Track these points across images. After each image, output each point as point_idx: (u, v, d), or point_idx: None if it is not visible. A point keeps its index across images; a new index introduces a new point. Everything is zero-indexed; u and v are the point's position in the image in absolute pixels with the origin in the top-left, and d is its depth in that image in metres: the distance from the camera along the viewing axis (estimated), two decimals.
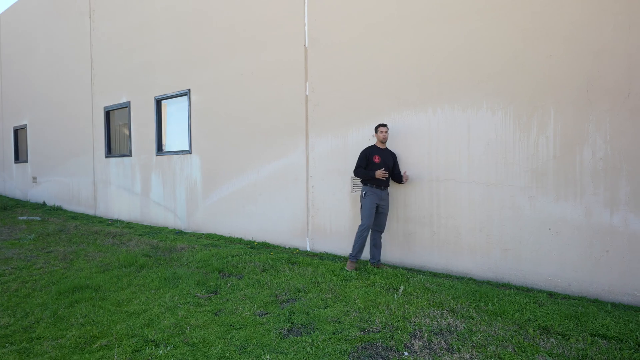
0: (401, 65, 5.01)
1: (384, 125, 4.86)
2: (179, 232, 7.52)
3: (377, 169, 4.72)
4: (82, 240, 6.60)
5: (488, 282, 4.35)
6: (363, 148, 5.17)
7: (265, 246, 6.25)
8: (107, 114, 9.64)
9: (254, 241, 6.53)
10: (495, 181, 4.39)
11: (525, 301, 3.53)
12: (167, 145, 8.29)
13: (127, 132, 9.15)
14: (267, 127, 6.39)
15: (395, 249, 5.12)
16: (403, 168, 5.01)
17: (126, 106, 9.01)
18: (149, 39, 8.40)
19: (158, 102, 8.28)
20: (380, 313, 3.32)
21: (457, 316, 3.23)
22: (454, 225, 4.68)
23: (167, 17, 7.99)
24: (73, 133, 10.77)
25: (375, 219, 4.79)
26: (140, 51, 8.61)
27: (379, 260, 4.92)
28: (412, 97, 4.93)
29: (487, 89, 4.42)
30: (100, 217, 9.64)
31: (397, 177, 4.91)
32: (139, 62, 8.63)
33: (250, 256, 5.32)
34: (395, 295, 3.70)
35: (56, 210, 10.79)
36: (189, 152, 7.64)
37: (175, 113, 8.08)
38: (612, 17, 3.77)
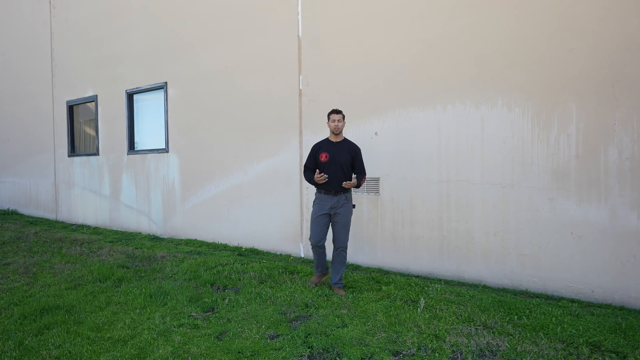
0: (406, 58, 4.67)
1: (337, 112, 3.94)
2: (154, 238, 6.88)
3: (327, 169, 3.87)
4: (44, 250, 5.86)
5: (504, 290, 4.08)
6: (369, 146, 4.81)
7: (254, 253, 5.75)
8: (71, 108, 8.79)
9: (241, 247, 6.01)
10: (511, 182, 4.13)
11: (558, 312, 3.27)
12: (141, 143, 7.60)
13: (93, 128, 8.36)
14: (255, 123, 5.89)
15: (400, 254, 4.78)
16: (409, 169, 4.67)
17: (93, 100, 8.22)
18: (119, 26, 7.67)
19: (130, 96, 7.57)
20: (408, 332, 2.94)
21: (494, 333, 2.90)
22: (465, 229, 4.38)
23: (141, 1, 7.31)
24: (30, 129, 9.80)
25: (333, 231, 3.96)
26: (109, 40, 7.86)
27: (337, 282, 3.93)
28: (419, 93, 4.60)
29: (502, 85, 4.15)
30: (62, 222, 8.77)
31: (357, 177, 3.98)
32: (108, 52, 7.88)
33: (242, 265, 4.82)
34: (418, 309, 3.34)
35: (11, 215, 9.78)
36: (165, 150, 7.01)
37: (149, 108, 7.41)
38: (639, 6, 3.57)
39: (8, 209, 10.26)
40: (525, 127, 4.05)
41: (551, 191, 3.94)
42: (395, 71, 4.74)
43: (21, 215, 9.83)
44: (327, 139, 4.07)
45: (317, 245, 3.93)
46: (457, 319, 3.17)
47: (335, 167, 3.88)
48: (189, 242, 6.50)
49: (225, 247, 6.15)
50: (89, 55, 8.24)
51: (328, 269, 4.18)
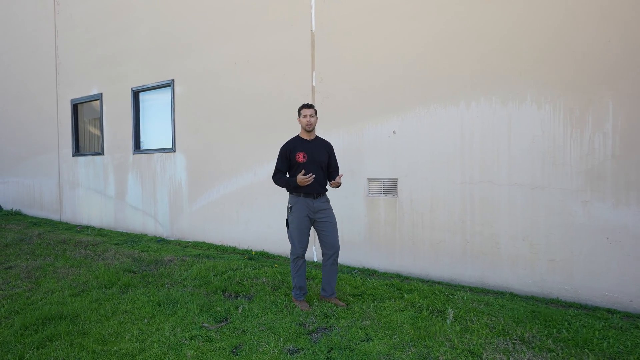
0: (427, 52, 4.43)
1: (309, 107, 3.58)
2: (161, 240, 6.68)
3: (306, 170, 3.46)
4: (48, 252, 5.66)
5: (533, 298, 3.83)
6: (387, 145, 4.58)
7: (265, 256, 5.53)
8: (75, 107, 8.60)
9: (251, 250, 5.79)
10: (541, 184, 3.88)
11: (600, 325, 3.02)
12: (147, 143, 7.40)
13: (98, 127, 8.17)
14: (266, 121, 5.67)
15: (420, 259, 4.54)
16: (430, 169, 4.44)
17: (97, 99, 8.02)
18: (124, 23, 7.47)
19: (135, 94, 7.37)
20: (440, 347, 2.71)
21: (534, 349, 2.66)
22: (491, 233, 4.14)
23: None
24: (34, 129, 9.62)
25: (321, 239, 3.56)
26: (114, 36, 7.66)
27: (332, 293, 3.58)
28: (440, 89, 4.36)
29: (531, 80, 3.90)
30: (66, 223, 8.59)
31: (333, 174, 3.70)
32: (113, 49, 7.68)
33: (254, 270, 4.60)
34: (447, 320, 3.10)
35: (15, 216, 9.61)
36: (172, 150, 6.80)
37: (156, 106, 7.20)
38: None
39: (11, 210, 10.09)
40: (557, 125, 3.80)
41: (585, 193, 3.69)
42: (416, 66, 4.50)
43: (25, 216, 9.66)
44: (298, 138, 3.64)
45: (302, 257, 3.53)
46: (491, 331, 2.93)
47: (315, 167, 3.50)
48: (197, 244, 6.29)
49: (234, 250, 5.93)
50: (93, 52, 8.05)
51: None
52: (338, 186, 3.61)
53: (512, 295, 3.89)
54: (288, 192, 3.63)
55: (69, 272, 4.61)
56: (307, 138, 3.62)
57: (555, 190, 3.82)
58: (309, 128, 3.57)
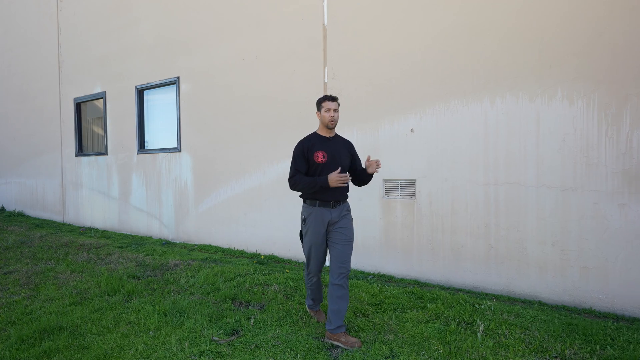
0: (448, 45, 4.17)
1: (333, 99, 3.01)
2: (166, 243, 6.46)
3: (326, 172, 2.94)
4: (49, 256, 5.45)
5: (563, 307, 3.58)
6: (404, 144, 4.34)
7: (274, 260, 5.30)
8: (78, 106, 8.40)
9: (260, 254, 5.56)
10: (573, 185, 3.62)
11: None
12: (151, 142, 7.18)
13: (102, 127, 7.97)
14: (275, 120, 5.44)
15: (440, 265, 4.29)
16: (450, 169, 4.18)
17: (101, 97, 7.82)
18: (128, 18, 7.26)
19: (140, 92, 7.15)
20: None
21: None
22: (517, 237, 3.88)
23: None
24: (37, 128, 9.44)
25: (330, 253, 2.98)
26: (117, 33, 7.45)
27: (340, 326, 2.82)
28: (462, 84, 4.11)
29: (562, 74, 3.64)
30: (69, 225, 8.39)
31: (361, 175, 3.15)
32: (117, 46, 7.47)
33: (264, 276, 4.36)
34: (477, 334, 2.85)
35: (17, 217, 9.43)
36: (177, 149, 6.57)
37: (160, 105, 6.98)
38: None
39: (14, 211, 9.91)
40: (590, 123, 3.54)
41: (622, 196, 3.43)
42: (435, 60, 4.25)
43: (27, 217, 9.48)
44: (316, 134, 3.07)
45: (317, 275, 3.10)
46: (527, 347, 2.68)
47: (336, 169, 2.93)
48: (203, 247, 6.07)
49: (242, 253, 5.70)
50: (97, 49, 7.84)
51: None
52: (376, 170, 3.02)
53: (541, 305, 3.64)
54: (302, 199, 3.09)
55: (70, 278, 4.40)
56: (327, 135, 3.06)
57: (589, 192, 3.56)
58: (333, 125, 2.99)
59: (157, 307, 3.46)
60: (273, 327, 3.07)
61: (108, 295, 3.83)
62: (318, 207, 2.95)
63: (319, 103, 3.03)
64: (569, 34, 3.59)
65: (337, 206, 2.99)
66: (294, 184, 2.95)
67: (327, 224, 2.96)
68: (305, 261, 3.17)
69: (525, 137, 3.82)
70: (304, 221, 3.04)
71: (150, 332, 3.02)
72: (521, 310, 3.34)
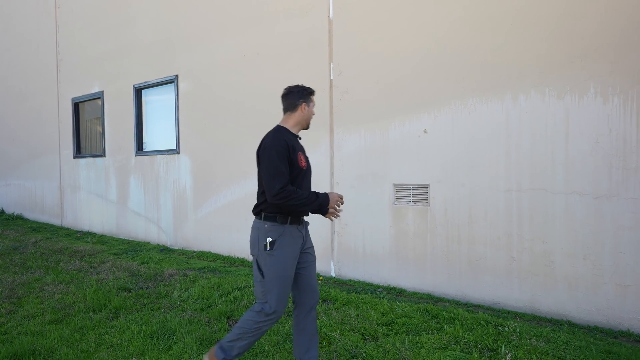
0: (465, 38, 3.80)
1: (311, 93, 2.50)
2: (164, 250, 6.15)
3: (307, 180, 2.41)
4: (40, 264, 5.16)
5: (596, 328, 3.19)
6: (415, 146, 3.98)
7: None
8: (76, 106, 8.15)
9: None
10: (607, 192, 3.23)
11: None
12: (150, 144, 6.88)
13: (99, 127, 7.69)
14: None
15: (456, 278, 3.92)
16: (468, 174, 3.81)
17: (99, 97, 7.54)
18: (126, 15, 6.97)
19: (138, 92, 6.86)
20: None
21: None
22: (543, 250, 3.50)
23: None
24: (35, 129, 9.21)
25: (297, 281, 2.37)
26: (116, 30, 7.17)
27: None
28: (481, 80, 3.74)
29: (596, 67, 3.25)
30: (67, 229, 8.13)
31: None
32: (115, 44, 7.19)
33: None
34: None
35: (15, 220, 9.20)
36: (176, 151, 6.27)
37: (159, 105, 6.68)
38: None
39: (13, 214, 9.70)
40: (628, 122, 3.15)
41: None
42: (450, 54, 3.88)
43: (26, 220, 9.25)
44: (286, 130, 2.41)
45: (279, 316, 2.28)
46: None
47: (310, 178, 2.47)
48: (202, 254, 5.75)
49: (242, 262, 5.37)
50: (95, 47, 7.57)
51: None
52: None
53: (571, 325, 3.25)
54: (256, 216, 2.36)
55: (56, 290, 4.09)
56: (297, 134, 2.47)
57: (626, 200, 3.17)
58: (308, 123, 2.50)
59: (143, 326, 3.13)
60: (271, 354, 2.72)
61: (93, 311, 3.51)
62: (290, 225, 2.28)
63: (308, 94, 2.45)
64: (604, 22, 3.20)
65: (304, 224, 2.42)
66: (287, 196, 2.17)
67: (299, 246, 2.33)
68: (260, 300, 2.27)
69: (553, 139, 3.43)
70: (270, 245, 2.23)
71: (133, 359, 2.69)
72: (551, 334, 2.96)
